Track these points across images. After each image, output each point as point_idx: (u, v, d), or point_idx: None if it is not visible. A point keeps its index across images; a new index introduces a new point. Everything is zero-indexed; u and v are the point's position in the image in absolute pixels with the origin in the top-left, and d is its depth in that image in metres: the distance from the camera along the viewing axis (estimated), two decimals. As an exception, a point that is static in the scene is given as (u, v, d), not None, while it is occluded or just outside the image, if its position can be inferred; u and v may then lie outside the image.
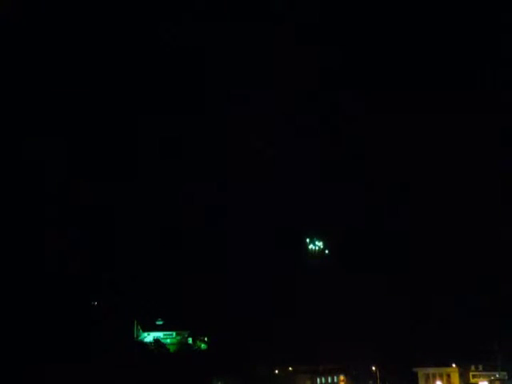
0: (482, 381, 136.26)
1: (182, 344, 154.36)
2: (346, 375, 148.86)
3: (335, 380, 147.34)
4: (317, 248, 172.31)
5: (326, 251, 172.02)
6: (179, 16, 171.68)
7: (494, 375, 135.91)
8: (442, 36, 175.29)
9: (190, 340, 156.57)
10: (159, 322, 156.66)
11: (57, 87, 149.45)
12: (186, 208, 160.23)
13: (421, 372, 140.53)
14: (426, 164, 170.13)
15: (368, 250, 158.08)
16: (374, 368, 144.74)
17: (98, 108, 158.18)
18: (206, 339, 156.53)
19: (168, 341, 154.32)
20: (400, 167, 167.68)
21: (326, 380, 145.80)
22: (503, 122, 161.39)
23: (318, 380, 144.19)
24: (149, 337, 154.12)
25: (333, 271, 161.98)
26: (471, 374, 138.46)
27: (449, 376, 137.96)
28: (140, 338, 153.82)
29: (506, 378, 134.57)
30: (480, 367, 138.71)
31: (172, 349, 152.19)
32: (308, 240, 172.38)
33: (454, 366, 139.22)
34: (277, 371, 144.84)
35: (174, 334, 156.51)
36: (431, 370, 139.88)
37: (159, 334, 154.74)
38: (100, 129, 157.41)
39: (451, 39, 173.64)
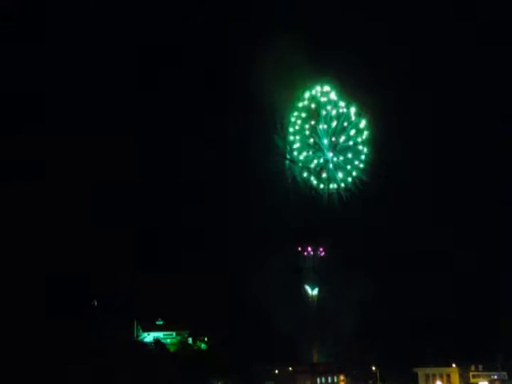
0: (482, 381, 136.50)
1: (182, 344, 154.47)
2: (346, 375, 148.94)
3: (335, 380, 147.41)
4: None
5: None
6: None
7: (494, 375, 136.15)
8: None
9: (190, 340, 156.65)
10: (159, 322, 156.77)
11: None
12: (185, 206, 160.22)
13: (421, 372, 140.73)
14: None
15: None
16: (373, 368, 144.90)
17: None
18: (205, 339, 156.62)
19: (168, 341, 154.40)
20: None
21: (326, 380, 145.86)
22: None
23: (318, 380, 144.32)
24: (149, 337, 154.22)
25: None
26: (471, 373, 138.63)
27: (449, 376, 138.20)
28: (140, 338, 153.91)
29: (506, 378, 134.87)
30: (480, 367, 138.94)
31: (172, 349, 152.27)
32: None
33: (454, 366, 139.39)
34: (277, 371, 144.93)
35: (174, 334, 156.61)
36: (431, 370, 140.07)
37: (159, 334, 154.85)
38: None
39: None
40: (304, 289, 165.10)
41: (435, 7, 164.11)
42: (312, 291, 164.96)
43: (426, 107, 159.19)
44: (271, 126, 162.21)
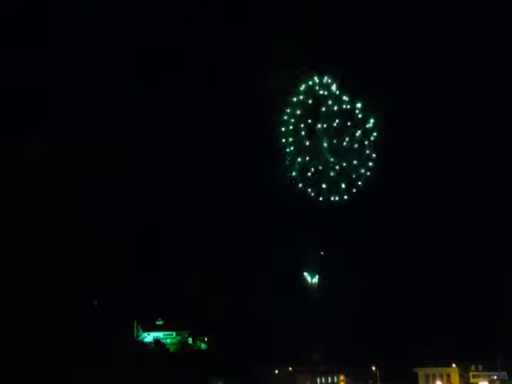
0: (482, 381, 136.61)
1: (182, 344, 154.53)
2: (346, 375, 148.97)
3: (335, 380, 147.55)
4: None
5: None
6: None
7: (494, 375, 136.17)
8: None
9: (190, 340, 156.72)
10: (159, 322, 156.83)
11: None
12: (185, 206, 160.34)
13: (421, 372, 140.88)
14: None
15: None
16: (373, 368, 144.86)
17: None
18: (205, 339, 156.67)
19: (168, 341, 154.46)
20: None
21: (326, 380, 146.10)
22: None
23: (318, 380, 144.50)
24: (149, 337, 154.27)
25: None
26: (471, 374, 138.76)
27: (449, 376, 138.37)
28: (140, 338, 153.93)
29: (506, 378, 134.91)
30: (480, 367, 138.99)
31: (172, 349, 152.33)
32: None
33: (454, 366, 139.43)
34: (277, 371, 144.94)
35: (174, 334, 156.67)
36: (431, 370, 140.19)
37: (159, 334, 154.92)
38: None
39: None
40: (304, 277, 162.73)
41: (435, 7, 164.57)
42: (312, 279, 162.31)
43: (426, 107, 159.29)
44: (271, 126, 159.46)
